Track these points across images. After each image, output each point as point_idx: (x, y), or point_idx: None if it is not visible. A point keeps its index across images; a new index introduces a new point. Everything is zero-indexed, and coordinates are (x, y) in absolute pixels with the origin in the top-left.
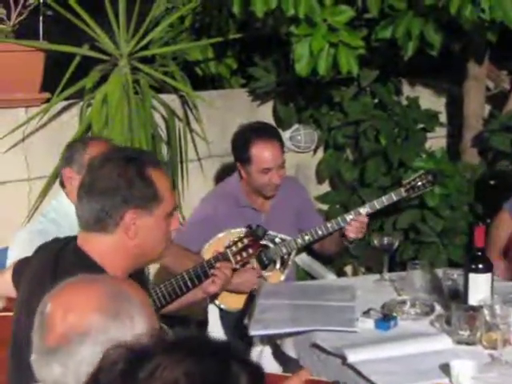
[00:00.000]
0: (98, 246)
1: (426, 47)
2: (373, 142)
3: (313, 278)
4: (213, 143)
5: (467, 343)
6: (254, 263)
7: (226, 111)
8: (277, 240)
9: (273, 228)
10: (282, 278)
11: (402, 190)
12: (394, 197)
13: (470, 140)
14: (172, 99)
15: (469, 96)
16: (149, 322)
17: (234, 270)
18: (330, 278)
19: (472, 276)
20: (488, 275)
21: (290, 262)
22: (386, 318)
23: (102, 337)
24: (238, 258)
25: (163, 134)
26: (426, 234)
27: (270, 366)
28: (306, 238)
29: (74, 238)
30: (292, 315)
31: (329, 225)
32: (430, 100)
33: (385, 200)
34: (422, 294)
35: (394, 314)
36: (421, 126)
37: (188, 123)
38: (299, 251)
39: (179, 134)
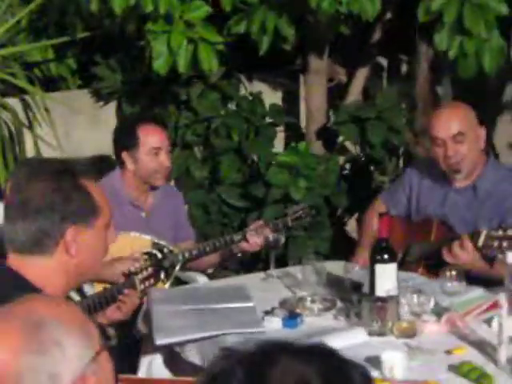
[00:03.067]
0: (36, 269)
1: (280, 41)
2: (225, 138)
3: (183, 282)
4: (57, 147)
5: (379, 334)
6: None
7: (70, 113)
8: (165, 250)
9: (153, 230)
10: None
11: (289, 219)
12: (280, 224)
13: (314, 133)
14: (14, 103)
15: (311, 90)
16: (83, 336)
17: None
18: (202, 280)
19: (378, 267)
20: (394, 265)
21: (173, 275)
22: (292, 315)
23: (38, 376)
24: (143, 286)
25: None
26: (292, 227)
27: (162, 373)
28: (194, 252)
29: None
30: (195, 321)
31: (217, 243)
32: (267, 95)
33: (271, 226)
34: (319, 289)
35: (298, 311)
36: (269, 120)
37: (31, 127)
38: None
39: (19, 137)
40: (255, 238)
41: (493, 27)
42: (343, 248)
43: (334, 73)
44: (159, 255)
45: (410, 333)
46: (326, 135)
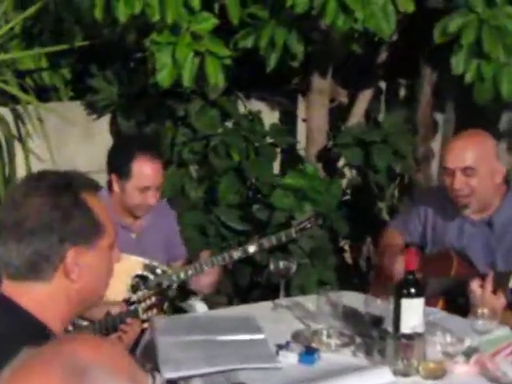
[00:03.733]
0: (33, 297)
1: (288, 58)
2: (224, 158)
3: (181, 309)
4: (49, 160)
5: (404, 374)
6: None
7: (63, 125)
8: (158, 271)
9: (144, 251)
10: None
11: (293, 230)
12: (283, 237)
13: (314, 155)
14: (4, 112)
15: (312, 110)
16: (127, 376)
17: None
18: (201, 308)
19: (404, 301)
20: (421, 300)
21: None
22: (309, 350)
23: None
24: (146, 315)
25: None
26: (295, 254)
27: None
28: (190, 272)
29: None
30: (203, 353)
31: (214, 260)
32: (265, 114)
33: (274, 240)
34: (335, 322)
35: (314, 346)
36: (270, 141)
37: (20, 138)
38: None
39: (9, 149)
40: (202, 281)
41: None
42: (344, 277)
43: (336, 94)
44: (151, 277)
45: (438, 373)
46: (326, 158)
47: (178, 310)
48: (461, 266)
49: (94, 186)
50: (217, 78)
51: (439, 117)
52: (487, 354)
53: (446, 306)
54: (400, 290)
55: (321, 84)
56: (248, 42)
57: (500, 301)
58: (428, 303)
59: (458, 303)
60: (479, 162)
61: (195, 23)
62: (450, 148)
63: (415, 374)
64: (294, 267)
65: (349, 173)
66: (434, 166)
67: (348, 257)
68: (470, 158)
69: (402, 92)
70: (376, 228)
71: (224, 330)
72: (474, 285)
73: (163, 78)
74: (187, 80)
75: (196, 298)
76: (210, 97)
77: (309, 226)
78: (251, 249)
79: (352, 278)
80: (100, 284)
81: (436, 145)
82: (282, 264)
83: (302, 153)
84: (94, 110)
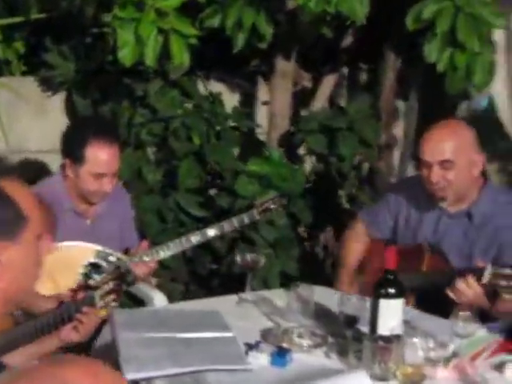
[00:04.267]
0: None
1: (255, 39)
2: (185, 141)
3: (137, 299)
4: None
5: (381, 379)
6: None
7: (15, 101)
8: (111, 258)
9: (98, 238)
10: None
11: (255, 211)
12: (245, 219)
13: (276, 140)
14: None
15: (275, 93)
16: None
17: None
18: (159, 298)
19: (382, 301)
20: (400, 300)
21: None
22: (281, 352)
23: None
24: (103, 302)
25: None
26: (258, 244)
27: None
28: (145, 259)
29: None
30: (168, 352)
31: (171, 244)
32: (225, 96)
33: (236, 222)
34: (306, 321)
35: (285, 346)
36: (232, 124)
37: None
38: None
39: None
40: (141, 268)
41: (486, 40)
42: (308, 269)
43: (299, 77)
44: (104, 264)
45: (417, 379)
46: (288, 143)
47: (133, 297)
48: (433, 261)
49: (16, 174)
50: (181, 58)
51: (401, 104)
52: (466, 358)
53: (417, 302)
54: (379, 290)
55: (285, 67)
56: (214, 21)
57: (474, 293)
58: None
59: (430, 300)
60: (457, 155)
61: None
62: (427, 139)
63: (392, 378)
64: (262, 260)
65: (309, 160)
66: (396, 154)
67: (307, 245)
68: (448, 151)
69: (365, 77)
70: (337, 217)
71: (189, 326)
72: (462, 285)
73: (125, 55)
74: (150, 59)
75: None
76: (171, 77)
77: (272, 206)
78: (211, 232)
79: (311, 267)
80: (27, 279)
81: (398, 131)
82: (249, 256)
83: (261, 137)
84: (49, 86)
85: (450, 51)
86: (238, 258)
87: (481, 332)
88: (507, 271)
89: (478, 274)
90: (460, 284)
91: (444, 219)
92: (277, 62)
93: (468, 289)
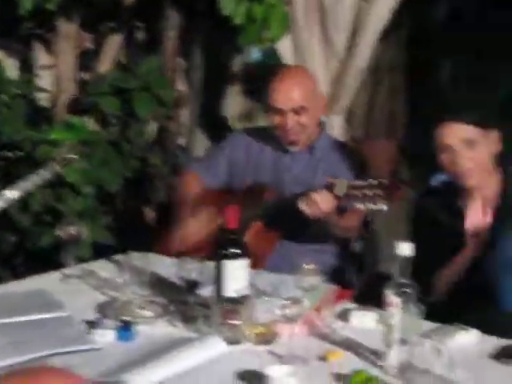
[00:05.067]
0: None
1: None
2: None
3: None
4: None
5: (233, 341)
6: None
7: None
8: None
9: None
10: None
11: (55, 164)
12: (47, 174)
13: (66, 104)
14: None
15: (59, 57)
16: None
17: None
18: None
19: (226, 263)
20: (244, 261)
21: None
22: (126, 326)
23: None
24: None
25: None
26: (65, 215)
27: None
28: None
29: None
30: (7, 339)
31: None
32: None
33: (37, 178)
34: (142, 291)
35: (128, 319)
36: (17, 92)
37: None
38: None
39: None
40: None
41: None
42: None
43: (81, 40)
44: None
45: (269, 338)
46: (78, 108)
47: None
48: (272, 196)
49: None
50: None
51: (183, 62)
52: (312, 310)
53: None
54: (221, 252)
55: (67, 29)
56: None
57: (328, 204)
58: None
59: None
60: (308, 100)
61: None
62: (278, 88)
63: (245, 340)
64: (85, 231)
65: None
66: (186, 112)
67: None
68: (300, 97)
69: (147, 37)
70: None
71: (21, 308)
72: (317, 196)
73: None
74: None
75: None
76: None
77: (75, 157)
78: (10, 194)
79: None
80: None
81: (184, 90)
82: (71, 229)
83: (44, 103)
84: None
85: (246, 4)
86: (60, 232)
87: (322, 283)
88: (359, 182)
89: (331, 188)
90: (315, 195)
91: (285, 160)
92: (59, 24)
93: (322, 200)
